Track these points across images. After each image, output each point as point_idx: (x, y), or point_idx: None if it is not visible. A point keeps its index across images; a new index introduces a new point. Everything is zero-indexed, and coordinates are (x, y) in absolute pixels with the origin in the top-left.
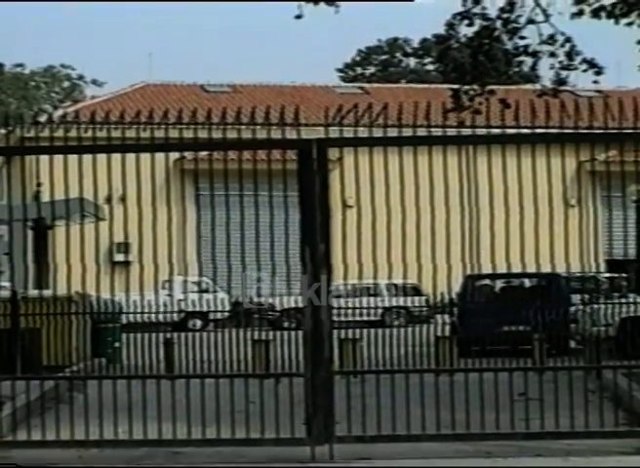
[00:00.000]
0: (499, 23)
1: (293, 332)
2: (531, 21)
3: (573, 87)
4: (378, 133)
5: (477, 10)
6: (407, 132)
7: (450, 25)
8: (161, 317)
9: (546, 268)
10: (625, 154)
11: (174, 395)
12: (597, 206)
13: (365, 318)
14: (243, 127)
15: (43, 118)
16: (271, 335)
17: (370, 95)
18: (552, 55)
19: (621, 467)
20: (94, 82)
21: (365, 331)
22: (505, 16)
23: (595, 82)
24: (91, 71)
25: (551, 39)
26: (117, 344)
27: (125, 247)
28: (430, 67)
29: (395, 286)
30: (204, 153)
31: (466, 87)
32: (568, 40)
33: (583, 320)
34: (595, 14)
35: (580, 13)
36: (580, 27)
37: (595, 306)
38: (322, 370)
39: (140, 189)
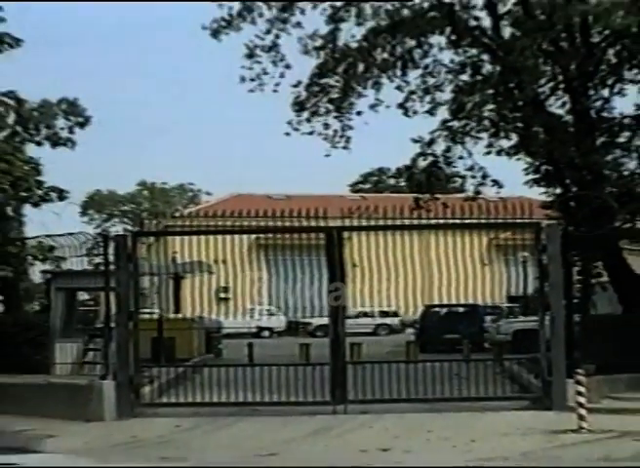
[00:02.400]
0: (442, 159)
1: (323, 339)
2: (460, 157)
3: (485, 195)
4: (372, 223)
5: (429, 151)
6: (389, 222)
7: (413, 160)
8: (245, 330)
9: (470, 300)
10: (516, 235)
11: (253, 375)
12: (500, 265)
13: (365, 330)
14: (294, 219)
15: (177, 214)
16: (310, 341)
17: (367, 200)
18: (473, 177)
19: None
20: (207, 193)
21: (365, 338)
22: (446, 154)
23: (498, 192)
24: (205, 185)
25: (471, 168)
26: (220, 346)
27: (225, 289)
28: (402, 184)
29: (383, 312)
30: (271, 235)
31: (422, 195)
32: (481, 168)
33: (492, 331)
34: (498, 153)
35: (489, 152)
36: (489, 159)
37: (499, 323)
38: (340, 361)
39: (233, 256)
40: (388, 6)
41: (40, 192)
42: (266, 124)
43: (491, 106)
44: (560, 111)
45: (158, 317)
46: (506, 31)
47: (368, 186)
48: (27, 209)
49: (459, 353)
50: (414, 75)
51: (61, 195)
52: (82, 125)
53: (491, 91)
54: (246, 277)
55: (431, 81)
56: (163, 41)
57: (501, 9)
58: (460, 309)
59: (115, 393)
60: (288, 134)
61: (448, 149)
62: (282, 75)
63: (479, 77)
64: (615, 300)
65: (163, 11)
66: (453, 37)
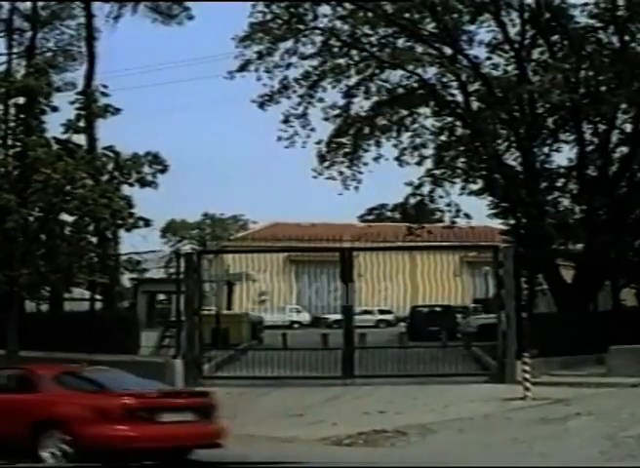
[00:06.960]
0: (427, 198)
1: (338, 330)
2: (441, 197)
3: (458, 225)
4: (374, 245)
5: (418, 192)
6: (388, 244)
7: (406, 198)
8: (280, 323)
9: (446, 302)
10: (480, 254)
11: (286, 357)
12: (468, 276)
13: (368, 324)
14: (316, 241)
15: (231, 238)
16: (329, 331)
17: (371, 228)
18: (449, 211)
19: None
20: (253, 222)
21: (368, 329)
22: (430, 194)
23: (468, 222)
24: (252, 215)
25: (449, 205)
26: (262, 334)
27: (264, 293)
28: (398, 216)
29: (381, 310)
30: (299, 253)
31: (413, 225)
32: (456, 205)
33: (462, 325)
34: (469, 194)
35: (462, 193)
36: (462, 198)
37: (467, 319)
38: (350, 346)
39: (271, 268)
40: (388, 85)
41: (131, 221)
42: (298, 170)
43: (463, 159)
44: (514, 163)
45: (216, 313)
46: (474, 104)
47: (372, 217)
48: (121, 233)
49: (438, 341)
50: (406, 136)
51: (147, 223)
52: (162, 171)
53: (462, 148)
54: (280, 284)
55: (418, 140)
56: (222, 112)
57: (470, 88)
58: (439, 308)
59: (183, 368)
60: (315, 177)
61: (432, 191)
62: (309, 136)
63: (454, 138)
64: (552, 303)
65: (223, 90)
66: (435, 108)
